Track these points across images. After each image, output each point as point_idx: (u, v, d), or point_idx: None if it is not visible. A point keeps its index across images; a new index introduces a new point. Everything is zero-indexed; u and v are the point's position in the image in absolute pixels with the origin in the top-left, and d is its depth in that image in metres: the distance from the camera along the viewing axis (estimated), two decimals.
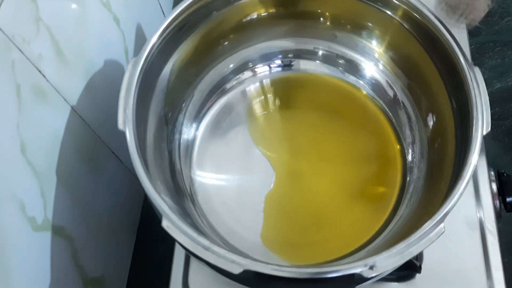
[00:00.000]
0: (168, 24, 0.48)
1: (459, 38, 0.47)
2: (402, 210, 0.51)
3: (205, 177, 0.55)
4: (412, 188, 0.52)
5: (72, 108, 0.48)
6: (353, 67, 0.59)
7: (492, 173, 0.55)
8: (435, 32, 0.48)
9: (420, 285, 0.50)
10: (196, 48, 0.54)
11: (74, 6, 0.47)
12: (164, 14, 0.72)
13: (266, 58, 0.60)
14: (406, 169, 0.54)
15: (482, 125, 0.43)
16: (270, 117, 0.59)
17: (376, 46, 0.57)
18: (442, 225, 0.39)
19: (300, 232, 0.52)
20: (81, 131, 0.50)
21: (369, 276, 0.38)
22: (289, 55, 0.60)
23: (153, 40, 0.47)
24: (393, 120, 0.57)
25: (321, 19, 0.58)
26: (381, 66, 0.58)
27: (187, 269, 0.51)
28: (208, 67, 0.57)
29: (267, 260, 0.39)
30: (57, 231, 0.46)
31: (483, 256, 0.51)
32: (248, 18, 0.56)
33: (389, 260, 0.38)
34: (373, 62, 0.58)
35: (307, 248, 0.52)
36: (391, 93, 0.57)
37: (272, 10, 0.57)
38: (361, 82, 0.59)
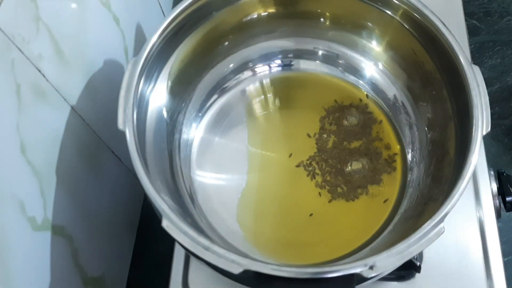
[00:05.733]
0: (168, 24, 0.48)
1: (459, 38, 0.47)
2: (402, 210, 0.51)
3: (205, 177, 0.55)
4: (412, 188, 0.52)
5: (72, 108, 0.48)
6: (353, 67, 0.59)
7: (492, 173, 0.55)
8: (435, 32, 0.48)
9: (420, 285, 0.50)
10: (196, 48, 0.54)
11: (73, 5, 0.47)
12: (164, 14, 0.72)
13: (266, 58, 0.60)
14: (406, 169, 0.54)
15: (482, 125, 0.43)
16: (270, 116, 0.59)
17: (376, 46, 0.57)
18: (442, 225, 0.39)
19: (299, 232, 0.52)
20: (81, 131, 0.50)
21: (369, 276, 0.38)
22: (289, 55, 0.60)
23: (153, 39, 0.47)
24: (393, 120, 0.57)
25: (321, 19, 0.58)
26: (381, 66, 0.58)
27: (187, 269, 0.51)
28: (208, 67, 0.57)
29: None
30: (57, 230, 0.46)
31: (483, 256, 0.51)
32: (248, 18, 0.56)
33: (389, 260, 0.38)
34: (373, 62, 0.58)
35: (307, 248, 0.52)
36: (391, 93, 0.57)
37: (272, 10, 0.57)
38: (361, 82, 0.59)
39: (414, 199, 0.51)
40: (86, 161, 0.52)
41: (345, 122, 0.58)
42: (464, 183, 0.40)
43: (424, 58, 0.51)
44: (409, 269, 0.49)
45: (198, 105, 0.57)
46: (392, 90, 0.57)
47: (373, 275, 0.38)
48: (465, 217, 0.52)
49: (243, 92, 0.60)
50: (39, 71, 0.42)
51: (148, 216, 0.68)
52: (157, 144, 0.50)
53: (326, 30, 0.58)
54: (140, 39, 0.62)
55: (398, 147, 0.56)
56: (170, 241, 0.43)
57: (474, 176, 0.55)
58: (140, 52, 0.46)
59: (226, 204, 0.53)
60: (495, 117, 0.76)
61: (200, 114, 0.58)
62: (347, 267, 0.37)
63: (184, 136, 0.55)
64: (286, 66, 0.61)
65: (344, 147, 0.56)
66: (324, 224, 0.53)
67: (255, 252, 0.50)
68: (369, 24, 0.56)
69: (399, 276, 0.50)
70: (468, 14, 0.85)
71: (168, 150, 0.52)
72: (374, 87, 0.59)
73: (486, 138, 0.44)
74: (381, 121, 0.57)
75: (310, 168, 0.55)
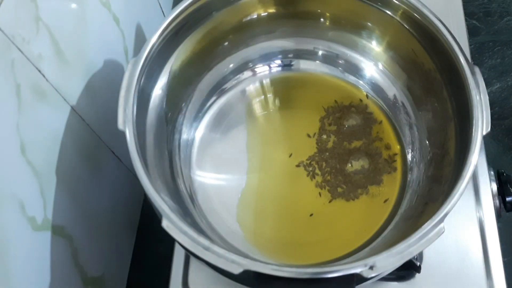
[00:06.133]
0: (168, 24, 0.48)
1: (459, 38, 0.47)
2: (402, 210, 0.51)
3: (205, 177, 0.55)
4: (412, 188, 0.52)
5: (72, 108, 0.48)
6: (353, 67, 0.59)
7: (492, 173, 0.55)
8: (435, 32, 0.48)
9: (420, 285, 0.50)
10: (196, 48, 0.54)
11: (73, 5, 0.47)
12: (164, 14, 0.72)
13: (266, 58, 0.60)
14: (406, 169, 0.54)
15: (482, 125, 0.43)
16: (270, 117, 0.59)
17: (376, 46, 0.57)
18: (442, 225, 0.39)
19: (299, 232, 0.52)
20: (81, 131, 0.50)
21: (369, 276, 0.38)
22: (289, 55, 0.60)
23: (153, 40, 0.47)
24: (393, 120, 0.57)
25: (321, 19, 0.58)
26: (381, 66, 0.58)
27: (187, 269, 0.51)
28: (208, 67, 0.57)
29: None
30: (57, 230, 0.46)
31: (483, 256, 0.51)
32: (248, 18, 0.56)
33: (389, 260, 0.38)
34: (373, 62, 0.58)
35: (307, 248, 0.52)
36: (391, 93, 0.57)
37: (272, 10, 0.57)
38: (361, 82, 0.59)
39: (414, 199, 0.51)
40: (86, 161, 0.52)
41: (345, 122, 0.58)
42: (464, 183, 0.40)
43: (424, 58, 0.51)
44: (409, 269, 0.49)
45: (198, 105, 0.57)
46: (392, 90, 0.57)
47: (373, 275, 0.38)
48: (465, 217, 0.52)
49: (243, 92, 0.60)
50: (39, 71, 0.42)
51: (148, 216, 0.68)
52: (157, 144, 0.50)
53: (326, 30, 0.58)
54: (140, 39, 0.62)
55: (398, 147, 0.56)
56: (170, 241, 0.43)
57: (474, 176, 0.55)
58: (140, 52, 0.46)
59: (226, 204, 0.53)
60: (495, 117, 0.76)
61: (200, 114, 0.58)
62: (347, 267, 0.37)
63: (184, 136, 0.55)
64: (286, 66, 0.61)
65: (344, 147, 0.56)
66: (324, 224, 0.53)
67: (255, 252, 0.50)
68: (369, 24, 0.56)
69: (399, 276, 0.50)
70: (468, 14, 0.85)
71: (168, 150, 0.52)
72: (374, 87, 0.58)
73: (486, 138, 0.44)
74: (381, 121, 0.57)
75: (310, 168, 0.55)
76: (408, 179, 0.53)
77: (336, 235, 0.52)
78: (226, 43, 0.57)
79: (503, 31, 0.85)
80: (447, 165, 0.47)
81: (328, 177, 0.54)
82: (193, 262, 0.51)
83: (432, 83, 0.51)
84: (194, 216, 0.50)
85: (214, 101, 0.59)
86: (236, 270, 0.37)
